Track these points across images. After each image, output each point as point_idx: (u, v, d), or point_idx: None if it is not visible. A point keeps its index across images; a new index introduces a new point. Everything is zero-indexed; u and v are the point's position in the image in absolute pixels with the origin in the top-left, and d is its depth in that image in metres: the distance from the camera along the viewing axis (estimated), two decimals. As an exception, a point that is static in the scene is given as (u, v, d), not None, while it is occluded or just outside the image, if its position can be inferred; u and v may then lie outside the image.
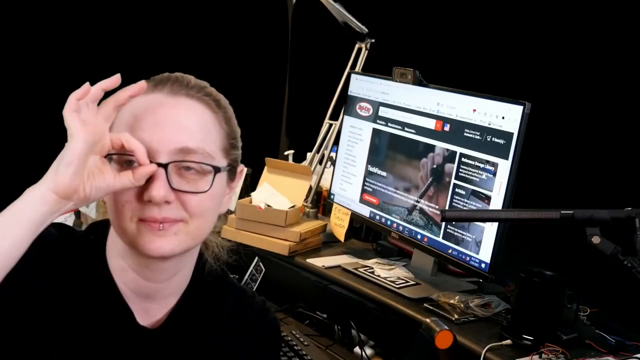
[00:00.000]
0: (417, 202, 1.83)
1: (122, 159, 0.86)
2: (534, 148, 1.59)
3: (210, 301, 1.02)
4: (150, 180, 0.86)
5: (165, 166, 0.86)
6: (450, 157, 1.73)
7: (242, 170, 1.01)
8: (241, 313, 1.05)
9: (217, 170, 0.90)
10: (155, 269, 0.94)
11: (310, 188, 2.23)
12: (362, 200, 2.04)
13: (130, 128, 0.87)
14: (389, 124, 1.94)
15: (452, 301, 1.65)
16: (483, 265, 1.63)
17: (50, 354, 0.90)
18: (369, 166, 2.01)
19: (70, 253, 0.94)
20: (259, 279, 2.03)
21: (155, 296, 0.96)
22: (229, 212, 2.18)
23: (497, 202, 1.60)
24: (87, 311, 0.92)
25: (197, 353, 0.99)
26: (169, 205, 0.87)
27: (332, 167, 2.22)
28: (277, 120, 2.98)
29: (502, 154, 1.59)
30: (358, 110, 2.06)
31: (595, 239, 1.15)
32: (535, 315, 1.50)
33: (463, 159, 1.70)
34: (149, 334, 0.96)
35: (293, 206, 2.07)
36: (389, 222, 1.93)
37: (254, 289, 2.03)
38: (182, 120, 0.89)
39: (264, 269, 2.03)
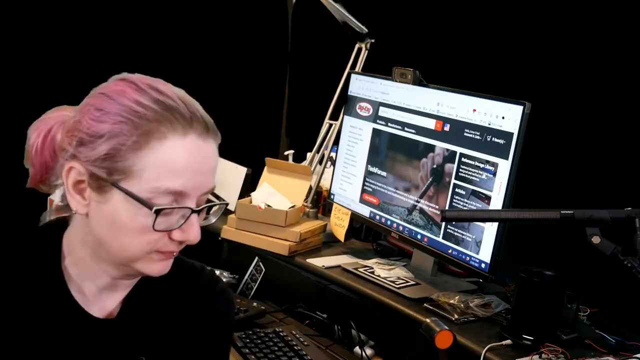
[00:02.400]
0: (417, 202, 1.83)
1: (167, 212, 0.90)
2: (534, 148, 1.59)
3: (163, 282, 1.02)
4: (186, 223, 0.91)
5: (198, 212, 0.92)
6: (450, 157, 1.74)
7: None
8: (192, 288, 1.08)
9: (227, 206, 1.01)
10: (133, 276, 0.99)
11: (310, 188, 2.23)
12: (362, 200, 2.04)
13: (173, 177, 0.89)
14: (389, 124, 1.94)
15: (452, 301, 1.65)
16: (483, 265, 1.63)
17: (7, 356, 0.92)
18: (369, 166, 2.01)
19: (17, 258, 0.96)
20: (259, 279, 2.03)
21: (118, 288, 1.00)
22: (229, 211, 2.19)
23: (497, 202, 1.60)
24: (45, 320, 0.95)
25: (154, 335, 1.02)
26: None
27: (332, 167, 2.22)
28: (277, 120, 2.98)
29: (502, 154, 1.59)
30: (358, 110, 2.06)
31: (595, 239, 1.15)
32: (535, 315, 1.50)
33: (463, 159, 1.70)
34: (106, 324, 0.98)
35: (293, 206, 2.07)
36: (389, 222, 1.93)
37: (254, 289, 2.03)
38: (212, 164, 0.94)
39: (264, 269, 2.03)
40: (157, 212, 0.88)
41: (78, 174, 0.91)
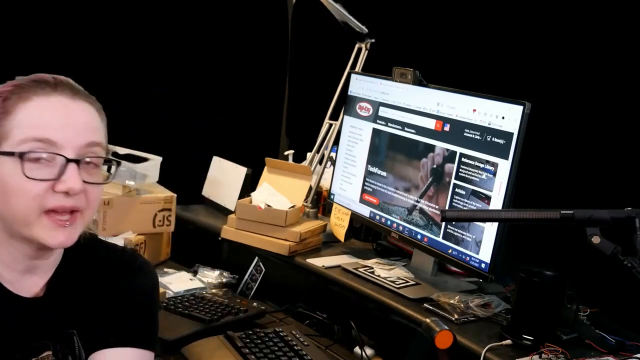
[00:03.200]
0: (417, 202, 1.83)
1: (33, 156, 0.95)
2: (534, 148, 1.59)
3: (85, 263, 1.11)
4: (64, 174, 0.95)
5: (78, 162, 0.96)
6: (450, 157, 1.73)
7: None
8: (114, 266, 1.13)
9: (118, 163, 1.03)
10: (42, 252, 1.02)
11: (310, 188, 2.23)
12: (362, 200, 2.04)
13: (38, 128, 0.95)
14: (389, 124, 1.94)
15: (452, 301, 1.65)
16: (483, 265, 1.63)
17: None
18: (369, 166, 2.01)
19: None
20: (259, 279, 2.03)
21: (38, 270, 1.05)
22: (229, 211, 2.19)
23: (497, 202, 1.60)
24: None
25: (82, 310, 1.08)
26: (77, 196, 0.97)
27: (332, 167, 2.22)
28: (277, 120, 2.97)
29: (502, 154, 1.59)
30: (358, 110, 2.06)
31: (595, 239, 1.15)
32: (535, 315, 1.50)
33: (463, 159, 1.70)
34: (33, 303, 1.03)
35: (293, 206, 2.07)
36: (389, 222, 1.93)
37: (254, 289, 2.03)
38: (87, 120, 1.00)
39: (264, 269, 2.03)
40: (21, 156, 0.94)
41: None
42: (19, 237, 0.99)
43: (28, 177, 0.94)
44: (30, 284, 1.04)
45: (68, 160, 0.95)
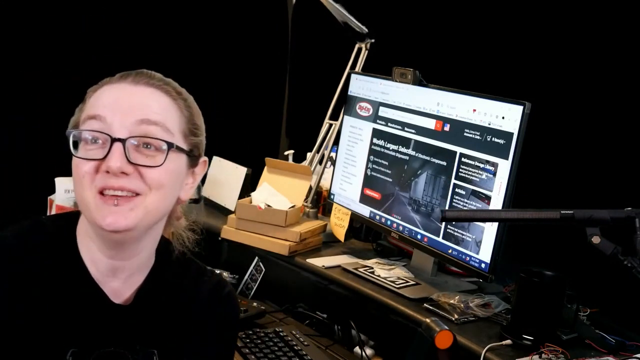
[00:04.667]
0: (417, 202, 1.83)
1: (89, 137, 0.94)
2: (534, 148, 1.59)
3: (174, 278, 1.09)
4: (109, 153, 0.93)
5: (123, 141, 0.93)
6: (450, 157, 1.73)
7: (205, 161, 1.08)
8: (202, 290, 1.12)
9: (170, 145, 0.96)
10: (116, 248, 0.99)
11: (310, 188, 2.23)
12: (362, 199, 2.04)
13: (96, 106, 0.97)
14: (389, 124, 1.94)
15: (452, 301, 1.65)
16: (483, 265, 1.63)
17: (30, 341, 0.95)
18: (369, 166, 2.01)
19: (38, 243, 1.00)
20: (259, 279, 2.03)
21: (120, 275, 1.02)
22: (229, 211, 2.19)
23: (497, 202, 1.60)
24: (61, 294, 0.98)
25: (165, 325, 1.06)
26: (127, 176, 0.93)
27: (332, 167, 2.21)
28: (277, 120, 2.98)
29: (502, 154, 1.59)
30: (358, 110, 2.06)
31: (595, 239, 1.15)
32: (535, 315, 1.50)
33: (463, 159, 1.70)
34: (121, 310, 1.02)
35: (293, 206, 2.07)
36: (389, 222, 1.93)
37: (254, 289, 2.03)
38: (143, 102, 0.97)
39: (264, 269, 2.03)
40: (69, 135, 0.95)
41: None
42: (94, 232, 0.98)
43: (76, 157, 0.94)
44: (117, 289, 1.02)
45: (113, 140, 0.93)
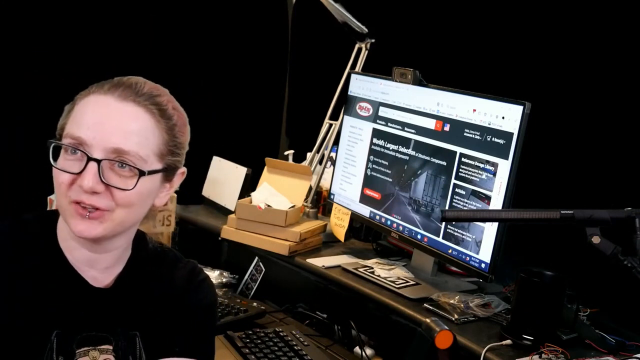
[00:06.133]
0: (417, 202, 1.83)
1: (69, 150, 0.99)
2: (534, 148, 1.59)
3: (151, 266, 1.15)
4: (84, 170, 0.97)
5: (99, 162, 0.97)
6: (450, 157, 1.73)
7: (183, 172, 1.11)
8: (175, 273, 1.18)
9: (142, 173, 1.00)
10: (91, 245, 1.05)
11: (310, 188, 2.23)
12: (362, 199, 2.04)
13: (79, 124, 0.99)
14: (389, 124, 1.94)
15: (452, 301, 1.65)
16: (483, 265, 1.63)
17: (15, 325, 1.01)
18: (369, 166, 2.01)
19: (22, 238, 1.07)
20: (259, 279, 2.03)
21: (97, 266, 1.08)
22: (229, 211, 2.19)
23: (497, 202, 1.60)
24: (43, 281, 1.04)
25: (144, 309, 1.11)
26: (98, 195, 0.98)
27: (332, 167, 2.22)
28: (277, 120, 2.97)
29: (502, 154, 1.59)
30: (358, 110, 2.06)
31: (595, 239, 1.15)
32: (535, 315, 1.50)
33: (463, 159, 1.70)
34: (101, 292, 1.08)
35: (293, 206, 2.07)
36: (389, 222, 1.93)
37: (254, 289, 2.03)
38: (123, 125, 1.00)
39: (264, 269, 2.03)
40: (49, 145, 1.00)
41: None
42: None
43: (55, 167, 0.99)
44: (97, 277, 1.08)
45: (89, 159, 0.97)
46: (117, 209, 1.00)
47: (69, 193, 0.99)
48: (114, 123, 0.99)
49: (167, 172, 1.07)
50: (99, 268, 1.08)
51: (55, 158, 1.00)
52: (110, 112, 0.99)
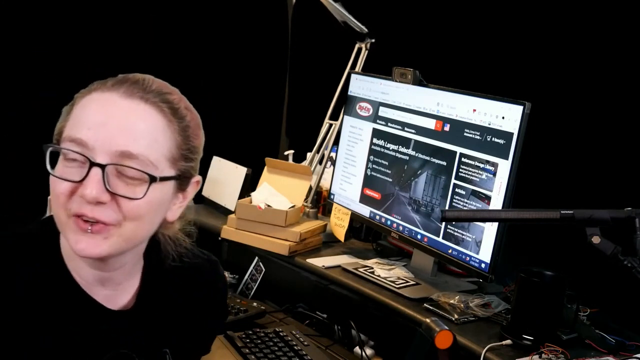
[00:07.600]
0: (417, 202, 1.83)
1: (69, 155, 0.87)
2: (534, 148, 1.59)
3: (169, 275, 1.06)
4: (86, 178, 0.85)
5: (103, 167, 0.85)
6: (450, 157, 1.73)
7: (198, 181, 1.00)
8: (198, 281, 1.11)
9: (153, 179, 0.88)
10: (98, 263, 0.94)
11: (310, 188, 2.23)
12: (362, 199, 2.04)
13: (79, 125, 0.87)
14: (389, 124, 1.94)
15: (452, 301, 1.65)
16: (483, 265, 1.63)
17: (26, 356, 0.90)
18: (369, 166, 2.01)
19: (23, 253, 0.94)
20: (259, 279, 2.03)
21: (108, 285, 0.97)
22: (229, 211, 2.19)
23: (497, 202, 1.60)
24: (52, 308, 0.92)
25: (171, 329, 1.05)
26: (103, 205, 0.86)
27: (332, 167, 2.22)
28: (277, 120, 2.98)
29: (502, 154, 1.59)
30: (358, 110, 2.06)
31: (595, 239, 1.15)
32: (535, 315, 1.50)
33: (463, 159, 1.70)
34: (122, 315, 0.98)
35: (293, 206, 2.07)
36: (389, 222, 1.93)
37: (254, 289, 2.03)
38: (130, 124, 0.87)
39: (264, 269, 2.03)
40: (46, 150, 0.87)
41: None
42: None
43: (52, 175, 0.87)
44: (110, 296, 0.97)
45: (92, 164, 0.85)
46: (125, 222, 0.88)
47: (68, 205, 0.86)
48: (119, 122, 0.86)
49: (180, 180, 0.95)
50: (111, 286, 0.97)
51: (53, 165, 0.87)
52: (114, 110, 0.87)
